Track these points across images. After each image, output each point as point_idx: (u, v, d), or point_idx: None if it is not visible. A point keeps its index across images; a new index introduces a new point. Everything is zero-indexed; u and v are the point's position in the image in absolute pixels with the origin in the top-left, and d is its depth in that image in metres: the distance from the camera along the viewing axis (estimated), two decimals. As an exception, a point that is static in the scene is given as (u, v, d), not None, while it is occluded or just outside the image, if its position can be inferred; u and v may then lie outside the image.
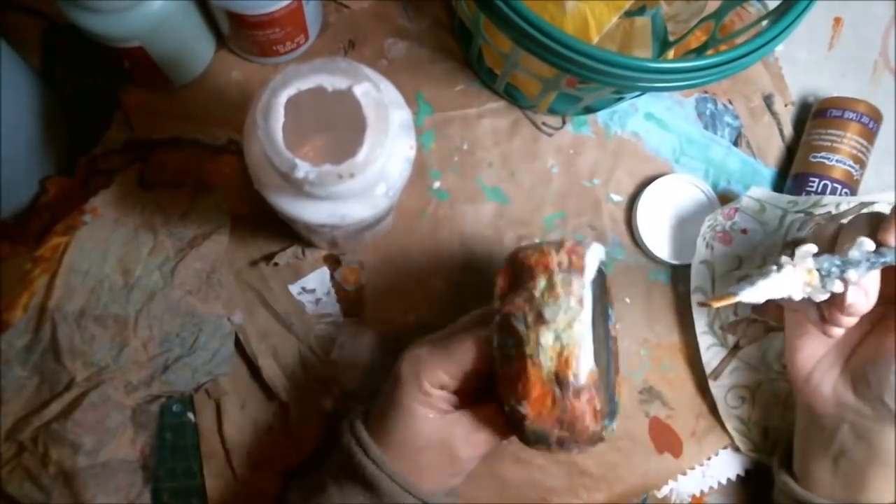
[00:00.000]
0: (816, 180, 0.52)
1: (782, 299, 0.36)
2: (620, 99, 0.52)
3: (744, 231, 0.51)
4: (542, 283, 0.35)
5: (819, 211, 0.50)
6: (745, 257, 0.51)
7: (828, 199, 0.49)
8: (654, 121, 0.55)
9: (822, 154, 0.53)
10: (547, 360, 0.34)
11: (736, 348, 0.50)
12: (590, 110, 0.54)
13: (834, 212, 0.50)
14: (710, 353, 0.51)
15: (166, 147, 0.50)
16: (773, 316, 0.48)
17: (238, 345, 0.48)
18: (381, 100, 0.31)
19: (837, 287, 0.36)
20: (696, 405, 0.52)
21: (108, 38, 0.42)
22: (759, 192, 0.51)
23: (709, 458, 0.52)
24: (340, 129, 0.34)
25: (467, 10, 0.45)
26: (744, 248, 0.51)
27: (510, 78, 0.51)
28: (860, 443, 0.40)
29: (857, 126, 0.53)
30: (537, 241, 0.46)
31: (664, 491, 0.51)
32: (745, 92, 0.57)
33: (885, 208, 0.49)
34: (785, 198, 0.50)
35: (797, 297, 0.36)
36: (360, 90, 0.30)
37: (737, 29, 0.47)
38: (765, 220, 0.50)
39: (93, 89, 0.50)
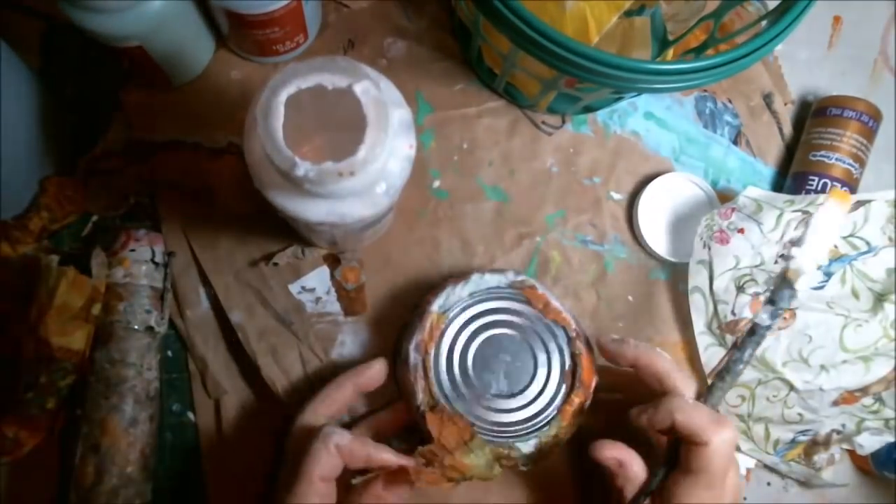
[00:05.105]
0: (816, 179, 0.52)
1: None
2: (620, 98, 0.52)
3: (741, 230, 0.51)
4: None
5: (815, 209, 0.50)
6: (743, 256, 0.51)
7: (824, 197, 0.49)
8: (654, 120, 0.55)
9: (822, 153, 0.53)
10: None
11: (734, 348, 0.50)
12: (589, 109, 0.54)
13: (831, 210, 0.50)
14: (709, 352, 0.51)
15: (166, 149, 0.50)
16: None
17: (238, 344, 0.48)
18: (380, 98, 0.31)
19: None
20: (696, 404, 0.52)
21: (108, 38, 0.42)
22: (755, 191, 0.51)
23: (709, 457, 0.52)
24: (340, 129, 0.34)
25: (466, 10, 0.45)
26: (741, 248, 0.51)
27: (509, 77, 0.51)
28: None
29: (857, 125, 0.53)
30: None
31: (664, 490, 0.51)
32: (744, 91, 0.57)
33: (881, 205, 0.49)
34: (782, 197, 0.50)
35: None
36: (360, 88, 0.30)
37: (736, 28, 0.47)
38: (762, 219, 0.50)
39: (93, 89, 0.50)
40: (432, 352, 0.44)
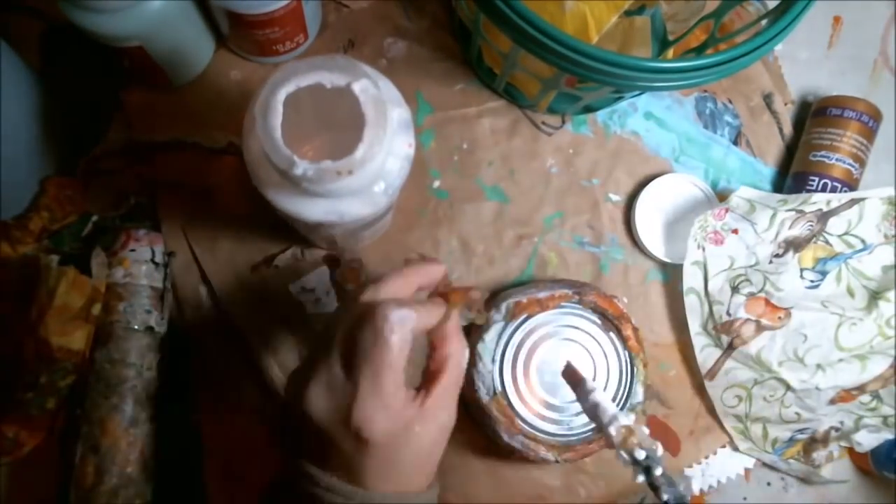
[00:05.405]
0: (816, 179, 0.52)
1: None
2: (620, 98, 0.52)
3: (735, 231, 0.51)
4: None
5: (809, 208, 0.50)
6: (737, 257, 0.51)
7: (817, 196, 0.49)
8: (654, 120, 0.55)
9: (822, 153, 0.53)
10: None
11: (730, 348, 0.50)
12: (589, 109, 0.54)
13: (824, 209, 0.50)
14: (705, 353, 0.51)
15: (166, 149, 0.50)
16: None
17: (238, 344, 0.48)
18: (379, 97, 0.31)
19: None
20: (694, 405, 0.52)
21: (108, 38, 0.42)
22: (748, 191, 0.51)
23: (707, 457, 0.52)
24: (339, 130, 0.34)
25: (467, 9, 0.45)
26: (736, 248, 0.51)
27: (510, 77, 0.51)
28: None
29: (857, 125, 0.53)
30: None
31: (663, 490, 0.51)
32: (744, 91, 0.57)
33: (875, 203, 0.49)
34: (775, 196, 0.50)
35: None
36: (358, 87, 0.30)
37: (736, 28, 0.47)
38: (755, 219, 0.50)
39: (93, 89, 0.50)
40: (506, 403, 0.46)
